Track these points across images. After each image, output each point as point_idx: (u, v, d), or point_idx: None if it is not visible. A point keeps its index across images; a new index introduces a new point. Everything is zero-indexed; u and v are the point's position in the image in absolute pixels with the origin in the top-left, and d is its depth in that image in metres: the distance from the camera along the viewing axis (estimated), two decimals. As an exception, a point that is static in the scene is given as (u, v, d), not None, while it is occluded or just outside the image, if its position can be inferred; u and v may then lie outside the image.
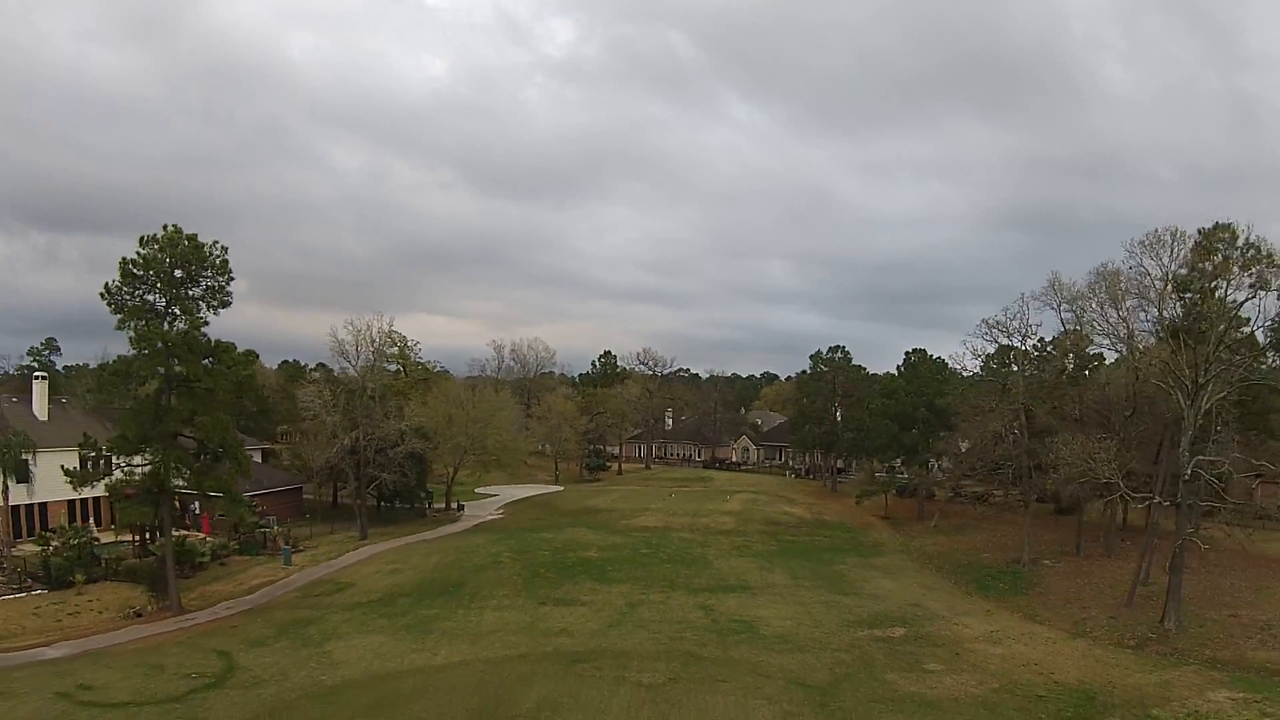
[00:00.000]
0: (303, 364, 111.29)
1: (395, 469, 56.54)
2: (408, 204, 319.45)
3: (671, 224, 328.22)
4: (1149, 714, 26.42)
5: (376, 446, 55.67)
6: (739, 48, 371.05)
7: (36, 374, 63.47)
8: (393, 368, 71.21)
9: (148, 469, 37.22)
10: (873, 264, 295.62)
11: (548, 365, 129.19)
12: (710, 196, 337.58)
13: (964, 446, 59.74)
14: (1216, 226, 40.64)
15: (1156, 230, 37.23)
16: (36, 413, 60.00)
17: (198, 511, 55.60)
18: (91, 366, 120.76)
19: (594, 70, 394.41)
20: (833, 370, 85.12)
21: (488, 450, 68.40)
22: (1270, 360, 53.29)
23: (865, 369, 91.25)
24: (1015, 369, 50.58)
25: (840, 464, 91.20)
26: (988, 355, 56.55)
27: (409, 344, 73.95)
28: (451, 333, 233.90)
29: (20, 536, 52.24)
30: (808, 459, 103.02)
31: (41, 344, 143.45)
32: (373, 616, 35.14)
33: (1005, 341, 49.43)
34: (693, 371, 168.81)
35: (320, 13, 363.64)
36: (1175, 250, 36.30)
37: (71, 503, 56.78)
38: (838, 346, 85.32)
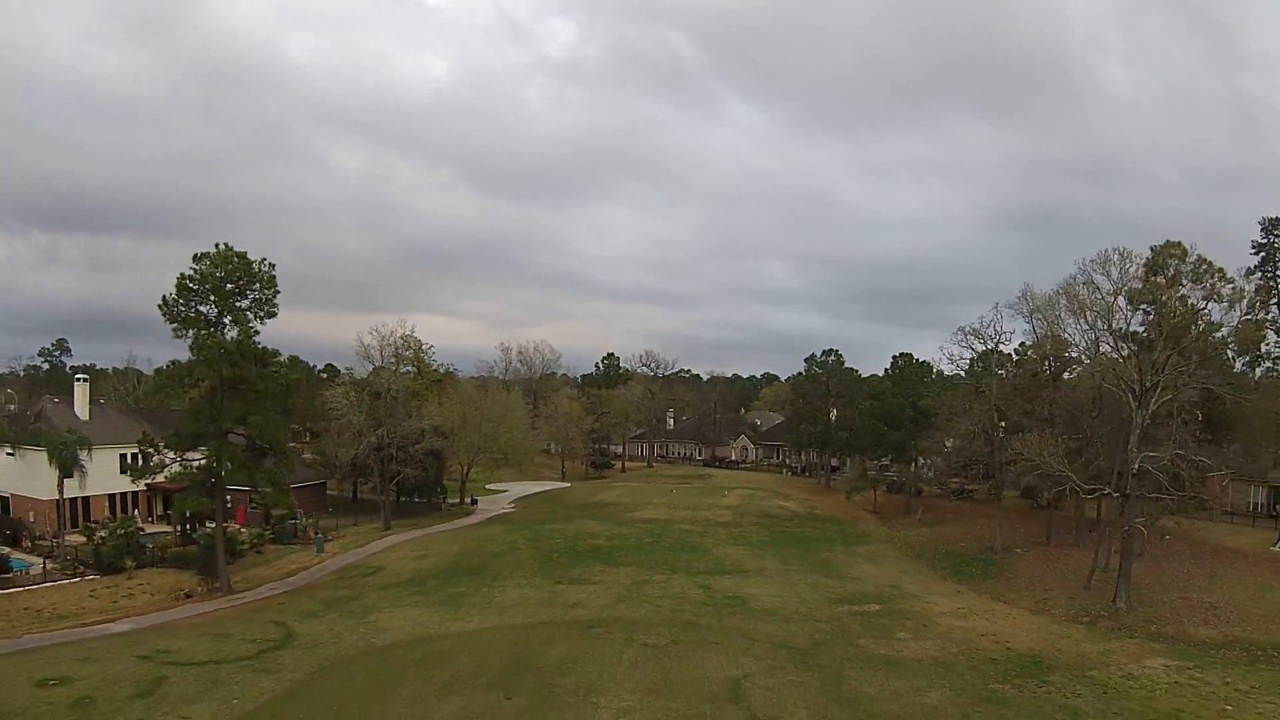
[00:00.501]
0: (310, 364, 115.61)
1: (417, 464, 60.78)
2: (408, 204, 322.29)
3: (672, 224, 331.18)
4: (1087, 675, 30.55)
5: (399, 443, 59.91)
6: (740, 48, 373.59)
7: (78, 376, 67.69)
8: (406, 369, 75.46)
9: (201, 463, 41.47)
10: (873, 264, 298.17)
11: (553, 366, 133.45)
12: (711, 197, 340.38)
13: (950, 445, 63.92)
14: (1167, 244, 44.75)
15: (1106, 250, 41.36)
16: (78, 412, 64.19)
17: (229, 504, 59.98)
18: (99, 368, 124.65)
19: (595, 71, 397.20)
20: (826, 373, 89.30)
21: (500, 448, 72.61)
22: (1237, 367, 57.45)
23: (858, 371, 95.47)
24: (989, 373, 54.65)
25: (835, 462, 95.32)
26: (972, 359, 60.72)
27: (423, 347, 78.23)
28: (452, 333, 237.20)
29: (65, 528, 56.54)
30: (803, 457, 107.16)
31: (52, 344, 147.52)
32: (407, 594, 39.41)
33: (980, 348, 53.50)
34: (693, 372, 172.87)
35: (321, 13, 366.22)
36: (1124, 268, 40.36)
37: (112, 496, 61.19)
38: (831, 350, 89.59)
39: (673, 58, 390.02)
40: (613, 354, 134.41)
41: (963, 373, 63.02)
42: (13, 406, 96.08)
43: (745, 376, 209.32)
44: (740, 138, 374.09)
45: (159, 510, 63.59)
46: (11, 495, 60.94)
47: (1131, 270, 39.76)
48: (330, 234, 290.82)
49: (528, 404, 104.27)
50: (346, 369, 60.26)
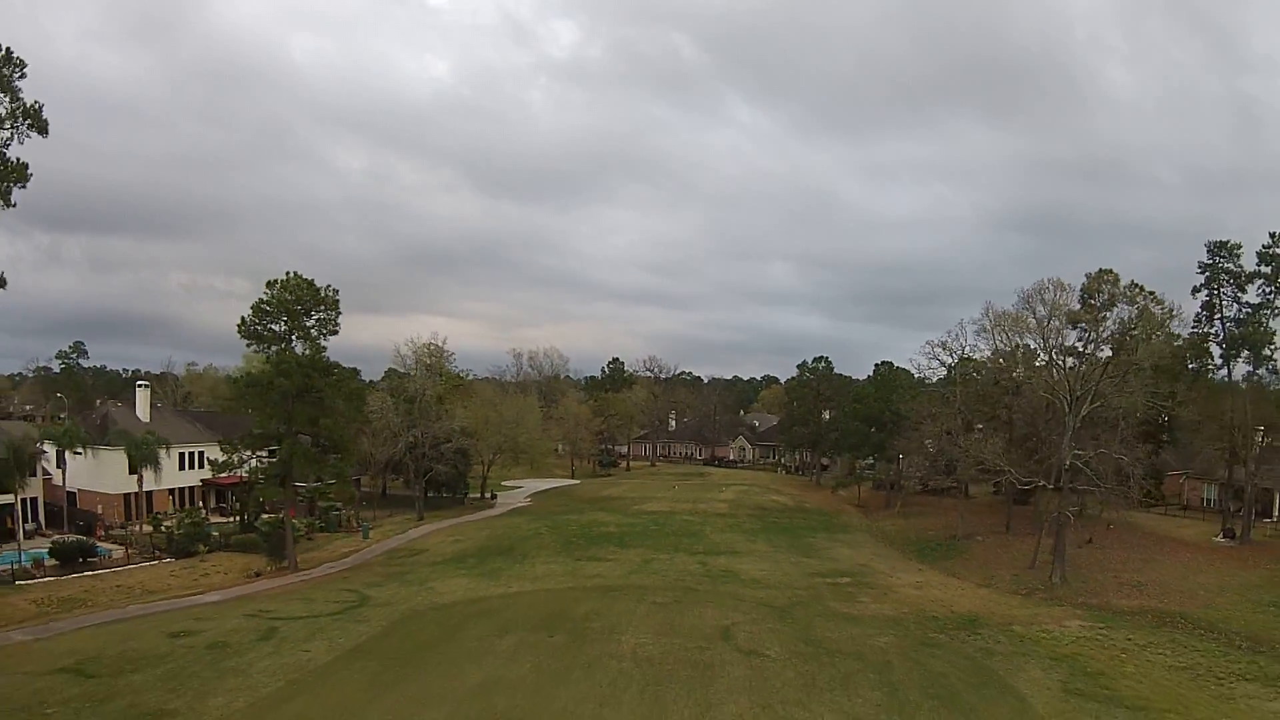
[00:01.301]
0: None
1: (447, 462, 68.17)
2: (410, 205, 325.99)
3: (674, 226, 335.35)
4: (1010, 629, 37.78)
5: (431, 442, 67.28)
6: (742, 50, 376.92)
7: (139, 383, 74.91)
8: (432, 376, 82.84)
9: (275, 459, 48.76)
10: (875, 266, 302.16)
11: (562, 370, 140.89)
12: (713, 198, 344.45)
13: (932, 446, 71.10)
14: (1100, 271, 52.22)
15: (1042, 280, 48.61)
16: (140, 415, 71.52)
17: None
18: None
19: (597, 72, 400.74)
20: (817, 378, 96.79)
21: (519, 447, 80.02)
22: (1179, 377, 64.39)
23: (849, 376, 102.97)
24: (954, 382, 61.95)
25: (825, 461, 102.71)
26: (950, 366, 67.85)
27: (445, 354, 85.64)
28: (453, 334, 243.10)
29: (131, 519, 63.86)
30: (797, 457, 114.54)
31: (69, 347, 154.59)
32: (452, 569, 46.76)
33: (947, 359, 60.83)
34: (695, 374, 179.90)
35: (323, 14, 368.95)
36: (1057, 296, 47.59)
37: (172, 490, 68.60)
38: (821, 357, 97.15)
39: (675, 59, 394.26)
40: (618, 359, 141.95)
41: (936, 379, 70.33)
42: (64, 413, 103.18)
43: (746, 379, 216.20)
44: (742, 139, 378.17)
45: (212, 503, 70.94)
46: (79, 490, 68.06)
47: (1062, 299, 46.89)
48: (331, 234, 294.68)
49: (541, 407, 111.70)
50: (381, 379, 67.30)
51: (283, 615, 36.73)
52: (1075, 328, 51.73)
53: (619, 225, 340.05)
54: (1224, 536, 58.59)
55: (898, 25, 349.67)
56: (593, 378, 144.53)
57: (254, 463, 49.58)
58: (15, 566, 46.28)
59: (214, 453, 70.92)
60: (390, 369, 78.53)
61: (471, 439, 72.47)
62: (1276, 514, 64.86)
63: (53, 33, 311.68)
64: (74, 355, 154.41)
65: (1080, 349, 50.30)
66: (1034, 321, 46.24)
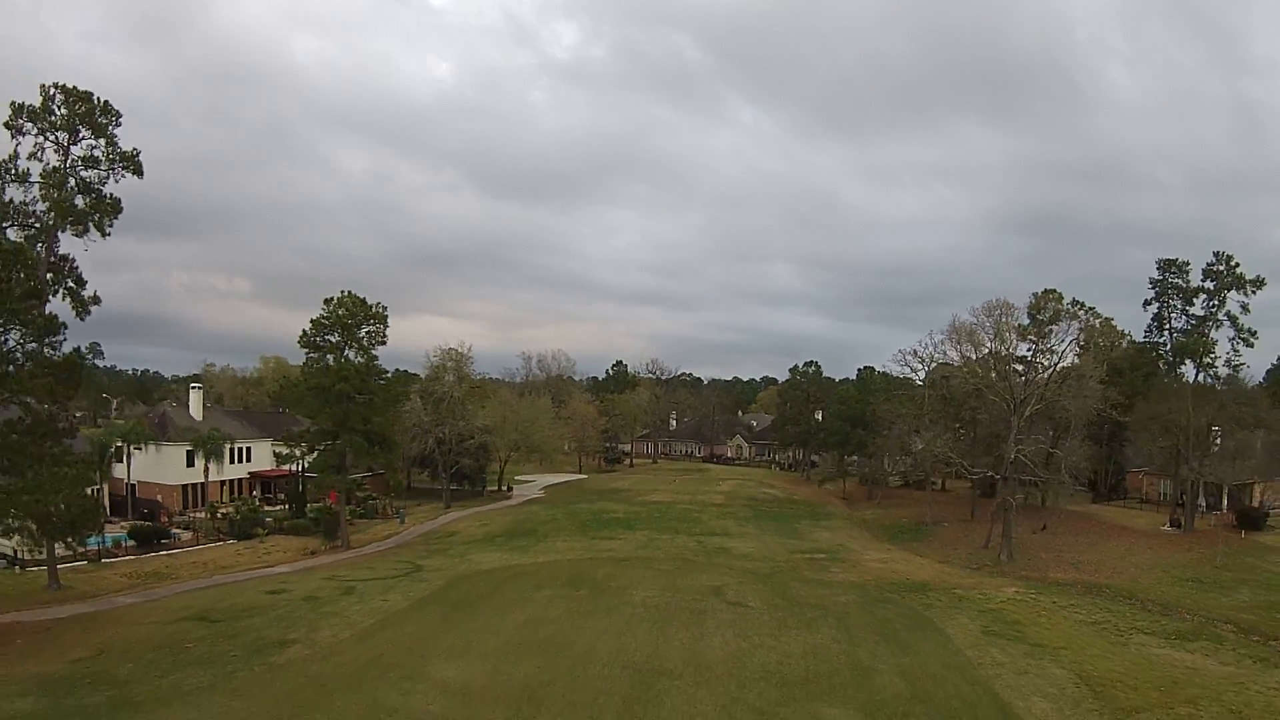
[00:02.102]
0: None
1: (471, 456, 76.04)
2: (413, 206, 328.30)
3: (676, 227, 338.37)
4: (954, 593, 45.52)
5: (458, 438, 75.15)
6: (745, 51, 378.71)
7: (193, 385, 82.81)
8: (450, 378, 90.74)
9: (333, 452, 56.51)
10: (876, 267, 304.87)
11: (569, 372, 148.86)
12: (715, 199, 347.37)
13: (920, 444, 78.91)
14: (1046, 291, 59.96)
15: (989, 301, 56.49)
16: (194, 414, 79.37)
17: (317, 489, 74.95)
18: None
19: (600, 73, 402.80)
20: (807, 381, 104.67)
21: (533, 444, 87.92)
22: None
23: (834, 379, 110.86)
24: (922, 387, 69.87)
25: (815, 458, 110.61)
26: (921, 372, 75.81)
27: (467, 359, 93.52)
28: (454, 334, 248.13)
29: (188, 508, 71.67)
30: (790, 454, 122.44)
31: (85, 347, 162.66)
32: (485, 546, 54.63)
33: (917, 366, 68.76)
34: (695, 376, 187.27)
35: (325, 15, 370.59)
36: (1001, 316, 55.43)
37: (224, 481, 76.48)
38: (812, 361, 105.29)
39: (678, 60, 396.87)
40: (621, 362, 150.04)
41: (916, 383, 78.21)
42: (112, 412, 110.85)
43: (745, 379, 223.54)
44: (745, 140, 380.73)
45: (258, 493, 78.82)
46: (139, 482, 75.90)
47: (1005, 320, 54.74)
48: (333, 235, 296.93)
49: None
50: (417, 388, 75.17)
51: (355, 579, 44.51)
52: (1024, 340, 59.69)
53: (621, 226, 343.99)
54: (1171, 526, 66.07)
55: (899, 27, 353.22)
56: (596, 378, 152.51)
57: (307, 457, 57.33)
58: (100, 548, 53.88)
59: (260, 448, 79.20)
60: (408, 371, 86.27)
61: (491, 436, 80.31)
62: (1225, 506, 72.47)
63: (56, 32, 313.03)
64: (90, 356, 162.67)
65: (1028, 358, 58.14)
66: (983, 335, 54.02)
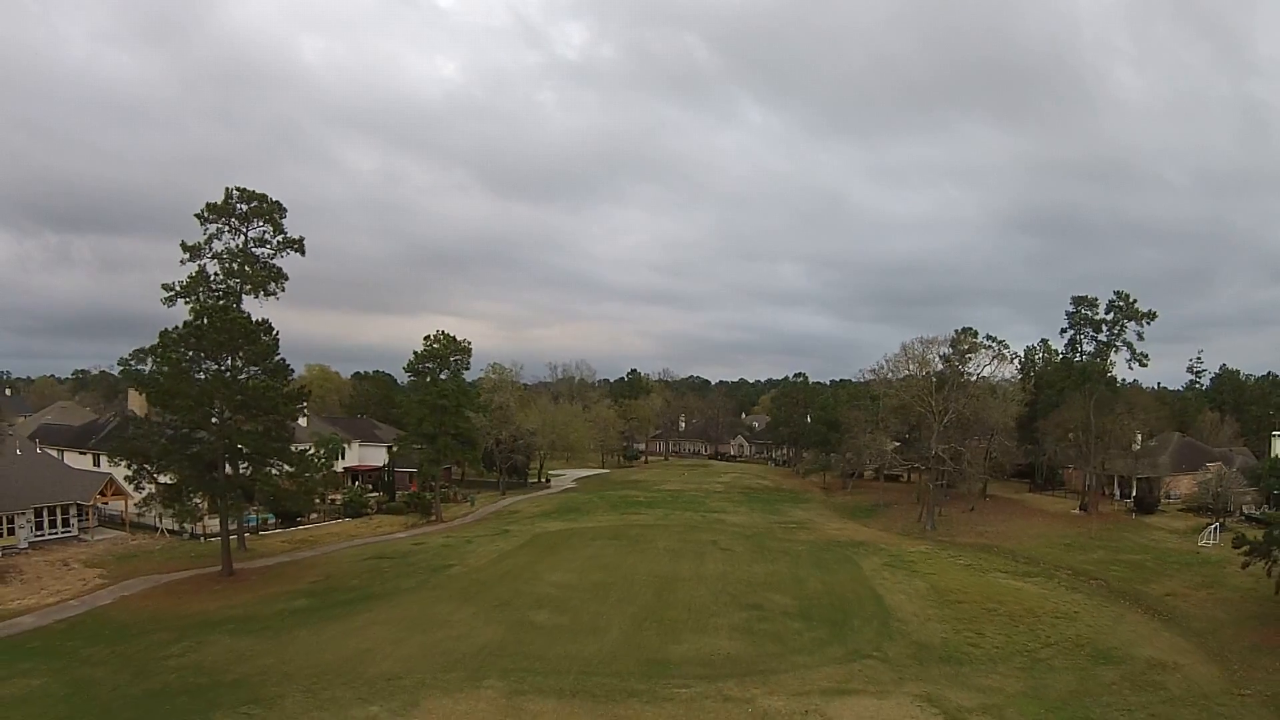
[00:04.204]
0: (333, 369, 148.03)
1: (521, 453, 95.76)
2: (421, 206, 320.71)
3: (684, 227, 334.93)
4: (878, 547, 64.71)
5: (511, 439, 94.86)
6: (754, 51, 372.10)
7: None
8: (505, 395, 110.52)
9: (434, 450, 76.21)
10: (884, 267, 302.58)
11: (590, 378, 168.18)
12: (723, 199, 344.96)
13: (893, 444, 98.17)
14: (964, 330, 79.24)
15: (923, 335, 75.62)
16: (300, 422, 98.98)
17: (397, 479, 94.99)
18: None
19: (609, 73, 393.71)
20: (797, 388, 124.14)
21: (569, 444, 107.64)
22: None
23: (821, 385, 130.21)
24: (877, 397, 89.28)
25: (806, 455, 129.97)
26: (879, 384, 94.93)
27: (507, 371, 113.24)
28: (462, 333, 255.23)
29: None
30: (784, 452, 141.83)
31: (129, 354, 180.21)
32: (545, 518, 74.41)
33: (874, 379, 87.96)
34: (702, 378, 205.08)
35: (334, 15, 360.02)
36: (925, 350, 74.71)
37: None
38: (800, 373, 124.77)
39: (687, 60, 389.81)
40: (636, 370, 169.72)
41: (880, 393, 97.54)
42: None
43: (751, 381, 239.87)
44: (753, 140, 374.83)
45: (357, 483, 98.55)
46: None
47: (932, 353, 74.06)
48: (342, 235, 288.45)
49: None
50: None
51: (466, 537, 64.24)
52: (947, 365, 79.08)
53: (629, 226, 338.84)
54: (1080, 509, 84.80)
55: (908, 28, 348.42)
56: (607, 380, 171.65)
57: (400, 454, 77.11)
58: (256, 523, 72.87)
59: (352, 448, 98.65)
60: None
61: (535, 437, 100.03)
62: (1133, 492, 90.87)
63: (65, 34, 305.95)
64: (133, 363, 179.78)
65: (947, 379, 77.45)
66: (915, 364, 73.39)
